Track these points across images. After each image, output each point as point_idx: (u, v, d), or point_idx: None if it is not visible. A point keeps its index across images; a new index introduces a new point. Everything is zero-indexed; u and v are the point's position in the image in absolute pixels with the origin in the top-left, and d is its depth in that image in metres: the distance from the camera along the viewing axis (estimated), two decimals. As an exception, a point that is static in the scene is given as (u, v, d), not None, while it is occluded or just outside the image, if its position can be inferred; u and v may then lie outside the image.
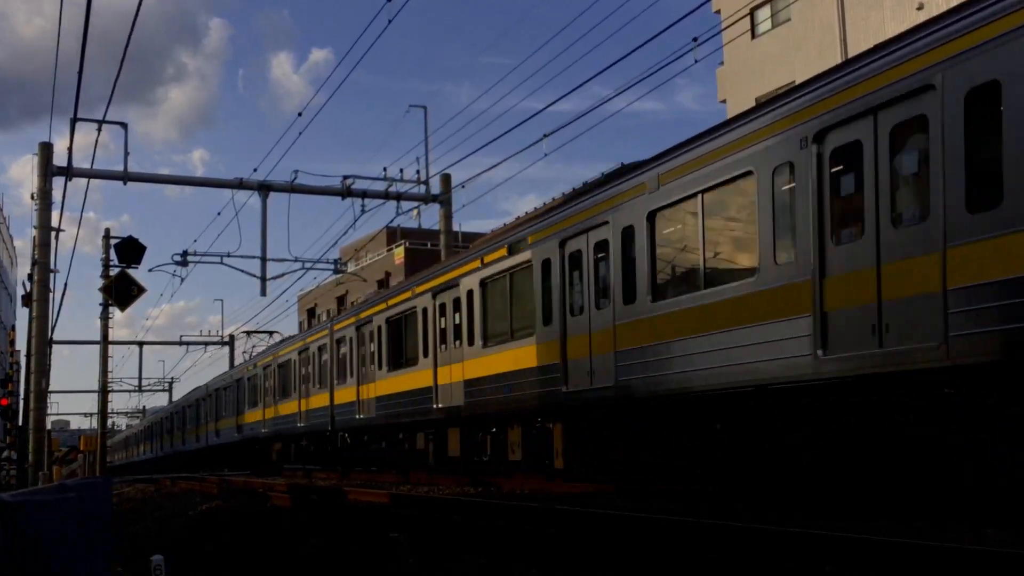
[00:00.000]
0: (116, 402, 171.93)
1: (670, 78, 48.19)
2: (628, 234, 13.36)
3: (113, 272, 33.32)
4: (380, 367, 23.43)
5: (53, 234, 28.71)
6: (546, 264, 15.60)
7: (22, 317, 44.66)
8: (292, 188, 29.51)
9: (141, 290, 31.97)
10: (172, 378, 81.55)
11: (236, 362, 51.87)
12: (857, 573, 6.23)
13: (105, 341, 47.42)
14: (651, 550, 7.41)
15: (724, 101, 33.58)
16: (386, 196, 30.56)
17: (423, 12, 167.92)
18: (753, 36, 32.05)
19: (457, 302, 19.14)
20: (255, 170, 29.85)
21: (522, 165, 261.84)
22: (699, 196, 11.91)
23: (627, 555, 7.44)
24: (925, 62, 8.80)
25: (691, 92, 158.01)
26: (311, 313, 70.22)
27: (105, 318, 45.91)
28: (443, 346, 19.78)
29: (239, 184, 29.10)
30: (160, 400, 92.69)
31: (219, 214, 34.00)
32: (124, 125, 27.74)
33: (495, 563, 7.54)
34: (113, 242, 33.72)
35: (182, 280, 36.21)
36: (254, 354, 40.61)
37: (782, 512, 9.77)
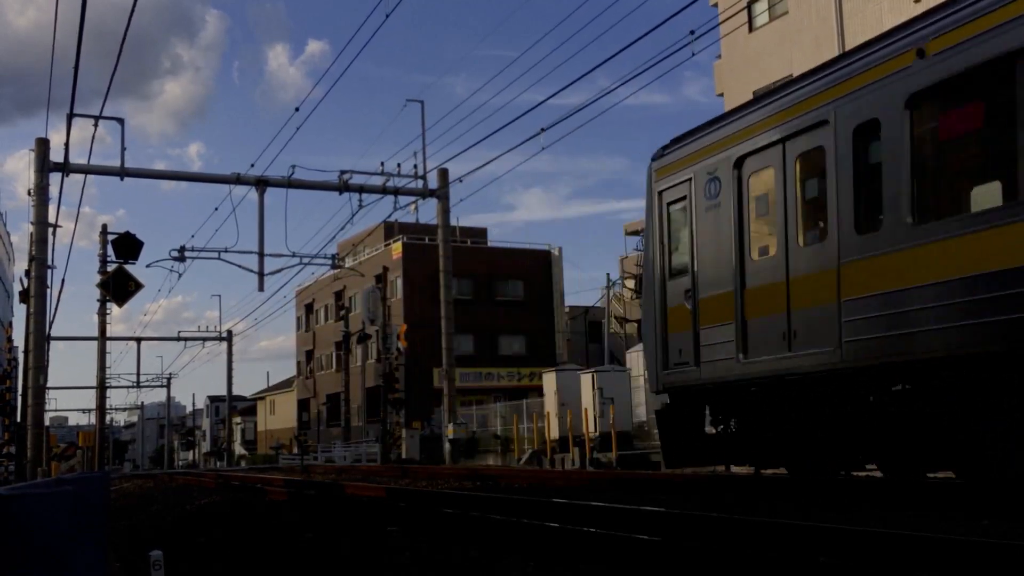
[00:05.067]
0: (114, 398, 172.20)
1: (670, 70, 48.47)
2: None
3: (110, 268, 33.33)
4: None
5: (50, 230, 28.70)
6: None
7: (19, 313, 44.71)
8: (289, 183, 29.53)
9: (138, 286, 31.99)
10: (170, 374, 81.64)
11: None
12: (853, 564, 6.24)
13: (103, 337, 47.51)
14: (644, 542, 7.42)
15: (722, 95, 33.56)
16: (383, 191, 30.58)
17: (420, 3, 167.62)
18: (751, 29, 32.02)
19: None
20: (252, 165, 29.84)
21: (522, 158, 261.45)
22: None
23: (622, 547, 7.45)
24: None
25: (698, 85, 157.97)
26: (309, 308, 70.26)
27: (103, 314, 46.02)
28: None
29: (236, 179, 29.11)
30: (158, 396, 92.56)
31: (216, 209, 34.02)
32: (121, 121, 27.77)
33: (491, 556, 7.56)
34: (110, 238, 33.73)
35: (179, 275, 36.20)
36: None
37: (770, 500, 9.80)
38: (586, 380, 28.37)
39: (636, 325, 56.04)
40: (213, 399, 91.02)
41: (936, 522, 7.70)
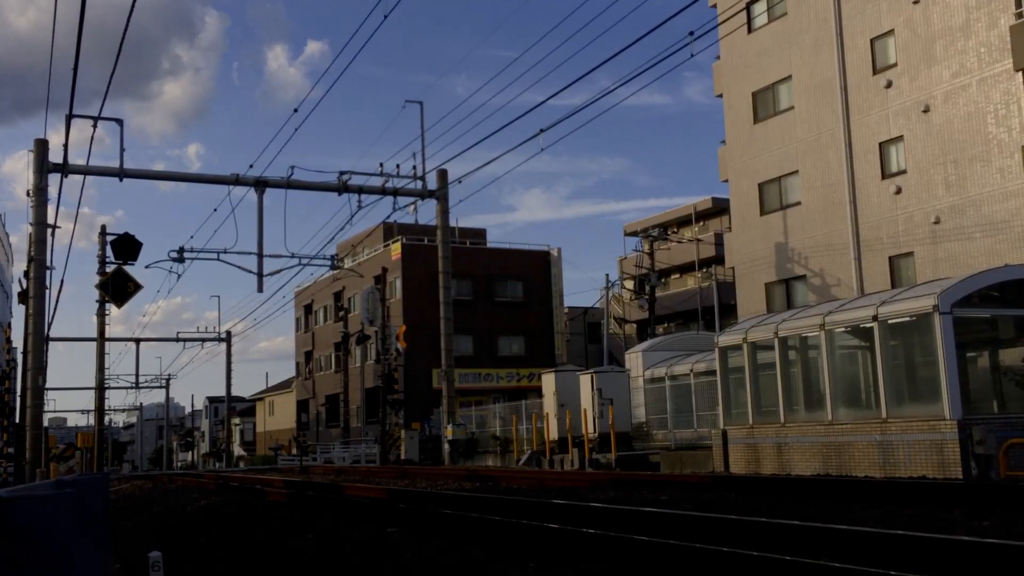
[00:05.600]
0: (113, 399, 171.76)
1: (670, 70, 48.51)
2: None
3: (109, 269, 33.31)
4: None
5: (49, 231, 28.68)
6: None
7: (19, 314, 44.65)
8: (288, 184, 29.52)
9: (137, 287, 31.97)
10: (169, 374, 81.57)
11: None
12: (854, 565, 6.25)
13: (102, 338, 47.48)
14: (644, 543, 7.43)
15: (721, 95, 33.57)
16: (383, 192, 30.57)
17: (420, 3, 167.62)
18: (750, 30, 32.03)
19: None
20: (251, 166, 29.84)
21: (522, 159, 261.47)
22: None
23: (621, 548, 7.45)
24: None
25: (699, 85, 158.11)
26: (308, 309, 70.25)
27: (101, 315, 45.99)
28: None
29: (235, 180, 29.10)
30: (157, 396, 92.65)
31: (215, 210, 34.25)
32: (120, 121, 27.72)
33: (491, 556, 7.56)
34: (109, 239, 33.72)
35: (179, 276, 36.23)
36: None
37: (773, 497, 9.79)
38: (585, 381, 28.35)
39: (635, 326, 56.05)
40: (212, 400, 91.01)
41: (936, 522, 7.72)
